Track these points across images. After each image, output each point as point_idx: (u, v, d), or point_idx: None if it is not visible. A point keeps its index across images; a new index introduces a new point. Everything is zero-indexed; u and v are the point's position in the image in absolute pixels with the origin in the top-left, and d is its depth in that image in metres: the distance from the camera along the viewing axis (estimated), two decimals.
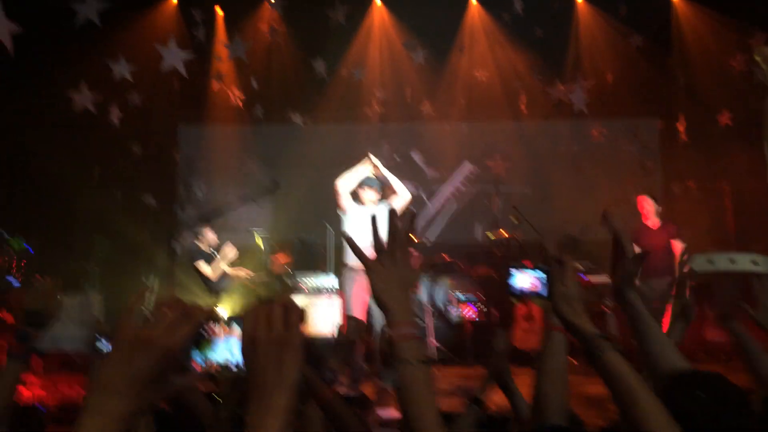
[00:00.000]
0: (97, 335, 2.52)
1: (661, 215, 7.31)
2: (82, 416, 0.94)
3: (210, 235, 7.78)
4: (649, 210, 7.18)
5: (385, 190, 6.43)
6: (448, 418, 1.84)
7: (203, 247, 7.73)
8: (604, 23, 10.18)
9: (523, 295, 1.65)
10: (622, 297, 1.81)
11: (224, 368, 1.47)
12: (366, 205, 6.26)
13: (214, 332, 1.33)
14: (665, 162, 10.23)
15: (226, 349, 1.31)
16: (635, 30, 9.89)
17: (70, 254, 9.27)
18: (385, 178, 6.35)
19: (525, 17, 9.70)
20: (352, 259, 6.02)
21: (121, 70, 8.00)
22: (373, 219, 1.39)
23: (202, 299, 8.31)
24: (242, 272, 8.05)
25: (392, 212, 1.40)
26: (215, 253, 7.87)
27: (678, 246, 7.04)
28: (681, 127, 9.70)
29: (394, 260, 1.35)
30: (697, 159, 9.46)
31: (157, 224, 9.57)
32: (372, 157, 6.36)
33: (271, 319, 1.00)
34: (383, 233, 1.37)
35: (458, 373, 6.67)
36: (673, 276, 6.73)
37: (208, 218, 5.77)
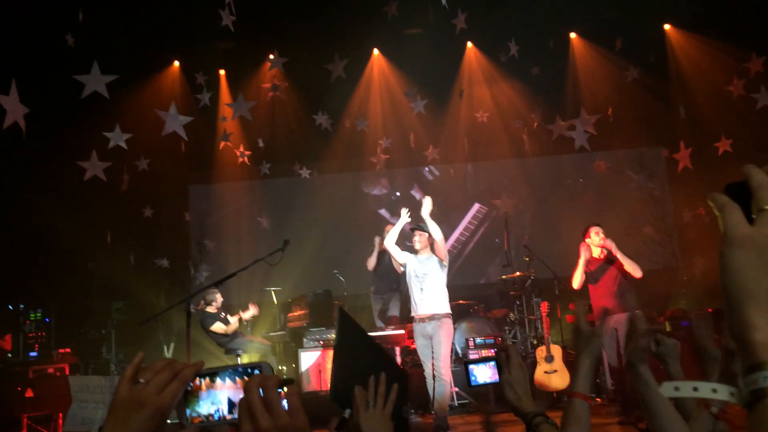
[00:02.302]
0: None
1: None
2: None
3: (219, 298, 7.89)
4: (602, 239, 6.75)
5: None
6: None
7: (212, 310, 7.81)
8: (600, 57, 10.31)
9: (484, 386, 1.84)
10: (633, 370, 1.86)
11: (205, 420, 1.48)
12: (420, 252, 6.32)
13: (196, 386, 1.37)
14: (673, 191, 10.23)
15: (210, 402, 1.34)
16: (632, 62, 10.00)
17: (87, 321, 9.33)
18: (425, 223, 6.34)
19: (521, 56, 9.85)
20: (418, 311, 6.18)
21: (117, 139, 8.12)
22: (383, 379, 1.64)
23: (222, 359, 8.32)
24: (253, 310, 8.03)
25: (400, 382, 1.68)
26: (225, 315, 7.94)
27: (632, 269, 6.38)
28: (681, 155, 9.72)
29: (384, 415, 1.55)
30: (705, 186, 9.44)
31: (171, 285, 9.64)
32: (405, 211, 6.38)
33: (271, 406, 1.00)
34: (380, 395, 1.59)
35: (481, 420, 6.58)
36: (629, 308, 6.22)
37: (220, 282, 5.83)
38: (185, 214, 10.75)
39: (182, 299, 5.48)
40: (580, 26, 10.40)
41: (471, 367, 1.84)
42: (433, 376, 6.01)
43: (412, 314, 6.28)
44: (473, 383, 1.84)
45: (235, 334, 7.86)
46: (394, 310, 8.57)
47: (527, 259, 8.71)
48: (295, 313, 8.86)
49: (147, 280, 9.58)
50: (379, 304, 8.67)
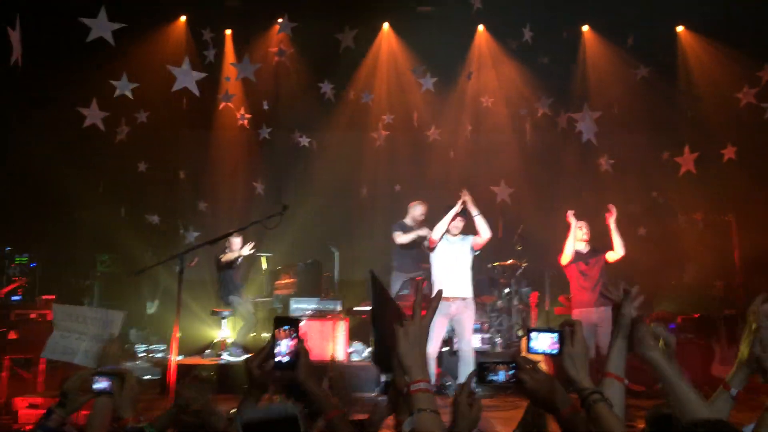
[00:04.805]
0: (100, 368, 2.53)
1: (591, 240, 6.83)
2: None
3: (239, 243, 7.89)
4: (586, 233, 6.82)
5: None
6: None
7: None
8: (611, 53, 10.22)
9: (543, 354, 1.87)
10: (645, 358, 1.90)
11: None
12: (454, 234, 6.44)
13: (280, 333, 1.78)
14: (671, 194, 10.21)
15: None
16: (642, 61, 9.94)
17: (72, 270, 9.22)
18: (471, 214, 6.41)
19: (532, 45, 9.76)
20: (444, 292, 6.16)
21: (123, 87, 7.96)
22: (419, 284, 1.76)
23: (206, 322, 8.27)
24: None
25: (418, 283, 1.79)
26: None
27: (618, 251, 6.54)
28: (685, 159, 9.70)
29: (422, 326, 1.73)
30: (703, 191, 9.47)
31: (160, 243, 9.53)
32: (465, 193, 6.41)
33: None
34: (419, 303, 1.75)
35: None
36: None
37: (215, 241, 5.75)
38: (180, 172, 10.61)
39: (175, 254, 5.38)
40: (593, 19, 10.31)
41: (532, 334, 1.86)
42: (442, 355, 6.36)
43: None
44: (531, 350, 1.87)
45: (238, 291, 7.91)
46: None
47: (519, 248, 8.70)
48: (284, 281, 8.82)
49: (136, 235, 9.47)
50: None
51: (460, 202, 6.39)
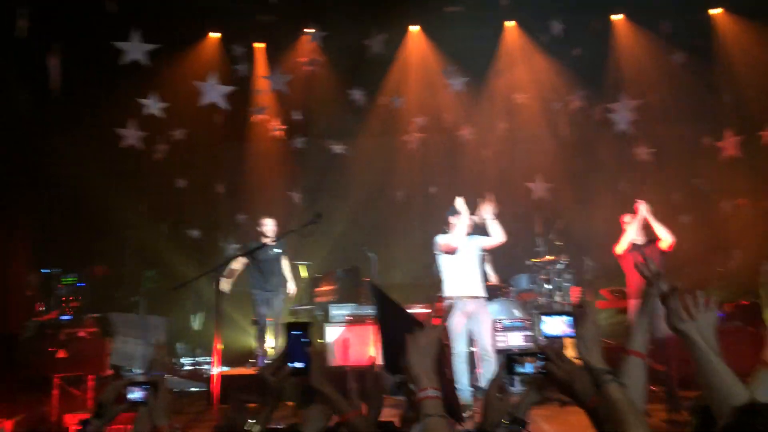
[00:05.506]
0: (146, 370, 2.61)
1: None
2: None
3: (267, 228, 7.85)
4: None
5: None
6: None
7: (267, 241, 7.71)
8: (645, 40, 10.00)
9: (554, 338, 1.89)
10: (676, 332, 1.85)
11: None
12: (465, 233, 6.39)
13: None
14: (714, 180, 9.93)
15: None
16: (678, 46, 9.70)
17: (119, 287, 9.48)
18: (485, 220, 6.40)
19: (563, 37, 9.63)
20: (453, 291, 6.19)
21: (152, 106, 8.13)
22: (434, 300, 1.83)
23: (248, 331, 8.38)
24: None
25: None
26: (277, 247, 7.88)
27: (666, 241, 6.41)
28: (726, 144, 9.43)
29: (432, 337, 1.81)
30: (747, 176, 9.19)
31: (202, 256, 9.73)
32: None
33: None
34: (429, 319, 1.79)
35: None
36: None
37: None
38: (218, 186, 10.81)
39: (212, 268, 5.50)
40: (624, 8, 10.11)
41: (543, 317, 1.87)
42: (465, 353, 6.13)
43: (450, 293, 6.24)
44: (543, 334, 1.90)
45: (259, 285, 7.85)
46: None
47: (559, 243, 8.60)
48: (323, 288, 8.88)
49: (178, 250, 9.69)
50: None
51: (484, 210, 6.32)
